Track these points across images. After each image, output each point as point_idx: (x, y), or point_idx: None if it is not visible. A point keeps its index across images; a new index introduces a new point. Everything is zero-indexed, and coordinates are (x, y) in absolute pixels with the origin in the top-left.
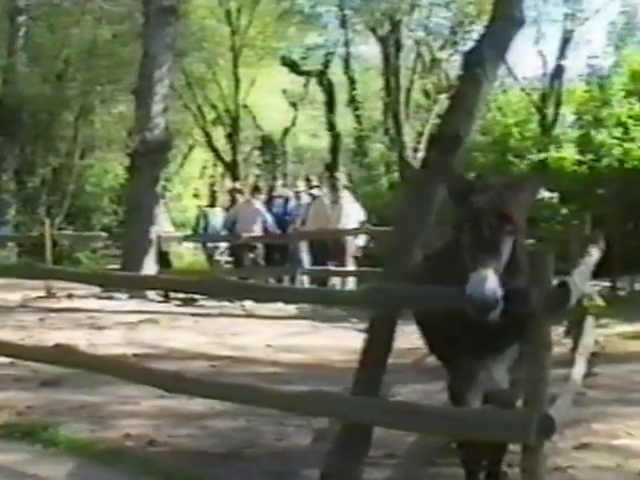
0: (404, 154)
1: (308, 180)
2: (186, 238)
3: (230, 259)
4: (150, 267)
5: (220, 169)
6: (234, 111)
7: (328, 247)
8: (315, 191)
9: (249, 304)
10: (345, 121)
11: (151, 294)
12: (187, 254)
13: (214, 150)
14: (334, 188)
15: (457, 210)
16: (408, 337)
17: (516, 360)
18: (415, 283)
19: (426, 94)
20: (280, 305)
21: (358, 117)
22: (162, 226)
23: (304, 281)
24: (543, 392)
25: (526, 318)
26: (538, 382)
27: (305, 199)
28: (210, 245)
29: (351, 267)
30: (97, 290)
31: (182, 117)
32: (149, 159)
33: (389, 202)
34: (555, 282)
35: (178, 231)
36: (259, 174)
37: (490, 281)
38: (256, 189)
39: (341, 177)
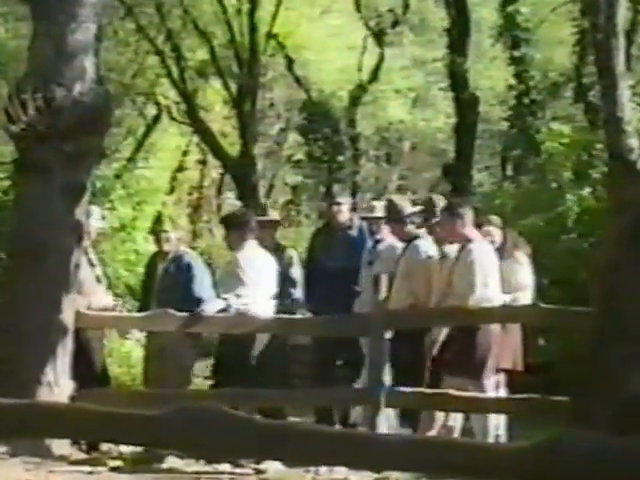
0: (620, 146)
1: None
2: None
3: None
4: (60, 384)
5: (214, 170)
6: (248, 46)
7: (443, 345)
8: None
9: (273, 468)
10: (488, 72)
11: (60, 445)
12: (139, 355)
13: (202, 130)
14: (458, 216)
15: None
16: None
17: None
18: None
19: None
20: (341, 471)
21: (518, 63)
22: (89, 293)
23: (389, 416)
24: None
25: None
26: None
27: (392, 239)
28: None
29: (497, 389)
30: None
31: (133, 57)
32: (61, 148)
33: (582, 247)
34: None
35: (125, 304)
36: (300, 184)
37: None
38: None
39: (468, 199)
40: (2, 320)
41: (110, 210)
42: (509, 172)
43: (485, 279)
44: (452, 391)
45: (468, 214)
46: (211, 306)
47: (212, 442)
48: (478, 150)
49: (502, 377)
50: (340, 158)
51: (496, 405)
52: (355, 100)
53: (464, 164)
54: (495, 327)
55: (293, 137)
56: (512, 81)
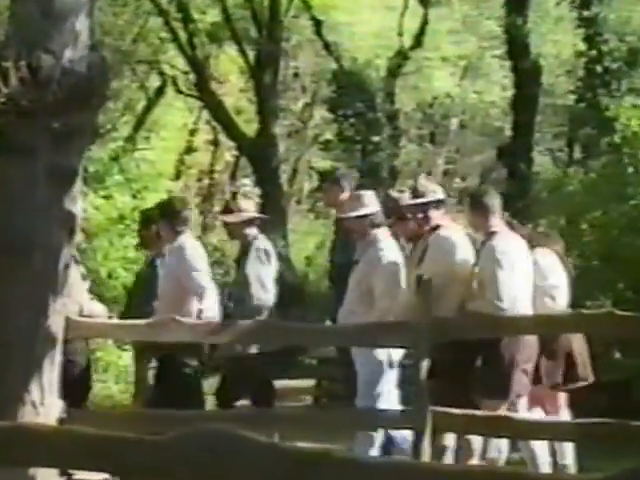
0: None
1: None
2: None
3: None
4: (46, 403)
5: (228, 152)
6: (268, 6)
7: (470, 357)
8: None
9: None
10: (553, 36)
11: (46, 475)
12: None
13: (213, 105)
14: (481, 207)
15: None
16: None
17: None
18: None
19: None
20: None
21: (588, 24)
22: (77, 295)
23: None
24: None
25: None
26: None
27: (379, 233)
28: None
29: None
30: None
31: (132, 18)
32: (48, 126)
33: None
34: None
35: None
36: (328, 169)
37: None
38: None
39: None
40: None
41: (105, 199)
42: (577, 155)
43: (515, 277)
44: (510, 414)
45: (494, 204)
46: (211, 312)
47: (228, 472)
48: (539, 128)
49: (563, 396)
50: (376, 138)
51: (565, 430)
52: (394, 70)
53: (523, 145)
54: (529, 339)
55: (320, 113)
56: (581, 46)
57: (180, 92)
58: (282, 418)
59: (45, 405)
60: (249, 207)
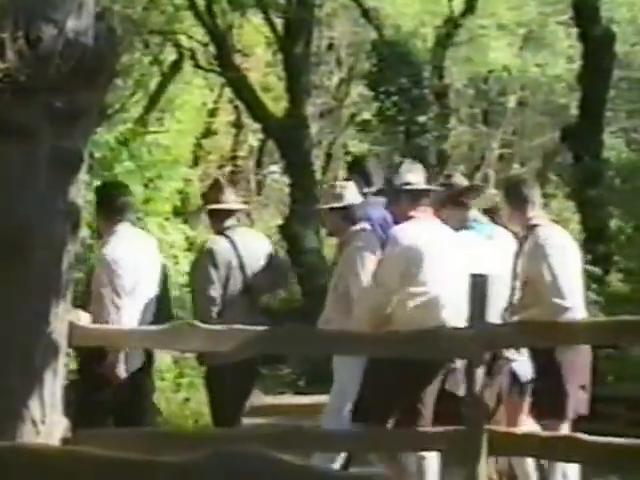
0: None
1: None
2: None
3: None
4: (48, 422)
5: (253, 135)
6: None
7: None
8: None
9: None
10: None
11: None
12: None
13: (236, 82)
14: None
15: None
16: None
17: None
18: None
19: None
20: None
21: None
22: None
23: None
24: None
25: None
26: None
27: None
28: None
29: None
30: None
31: None
32: (50, 105)
33: None
34: None
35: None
36: (367, 153)
37: None
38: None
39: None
40: None
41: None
42: None
43: (568, 272)
44: (579, 434)
45: (533, 194)
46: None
47: None
48: (611, 106)
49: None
50: (422, 118)
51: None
52: (443, 40)
53: (592, 125)
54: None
55: (358, 90)
56: None
57: (198, 67)
58: (314, 437)
59: (47, 423)
60: (228, 198)
